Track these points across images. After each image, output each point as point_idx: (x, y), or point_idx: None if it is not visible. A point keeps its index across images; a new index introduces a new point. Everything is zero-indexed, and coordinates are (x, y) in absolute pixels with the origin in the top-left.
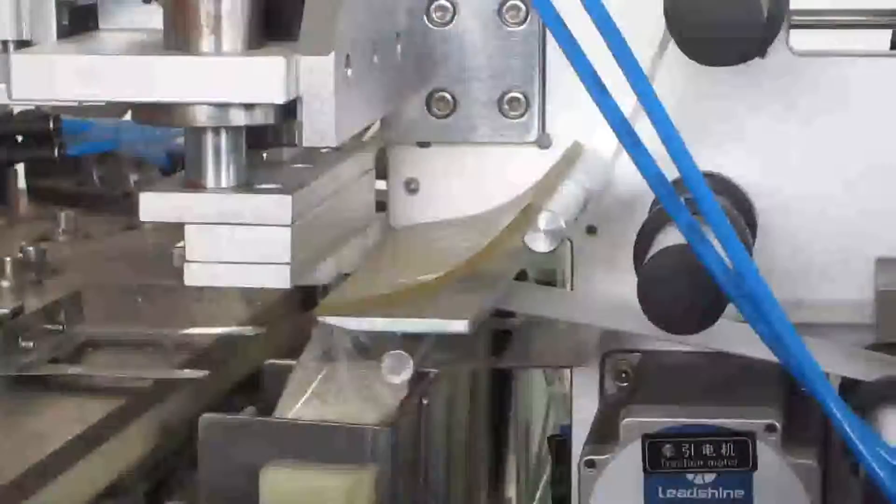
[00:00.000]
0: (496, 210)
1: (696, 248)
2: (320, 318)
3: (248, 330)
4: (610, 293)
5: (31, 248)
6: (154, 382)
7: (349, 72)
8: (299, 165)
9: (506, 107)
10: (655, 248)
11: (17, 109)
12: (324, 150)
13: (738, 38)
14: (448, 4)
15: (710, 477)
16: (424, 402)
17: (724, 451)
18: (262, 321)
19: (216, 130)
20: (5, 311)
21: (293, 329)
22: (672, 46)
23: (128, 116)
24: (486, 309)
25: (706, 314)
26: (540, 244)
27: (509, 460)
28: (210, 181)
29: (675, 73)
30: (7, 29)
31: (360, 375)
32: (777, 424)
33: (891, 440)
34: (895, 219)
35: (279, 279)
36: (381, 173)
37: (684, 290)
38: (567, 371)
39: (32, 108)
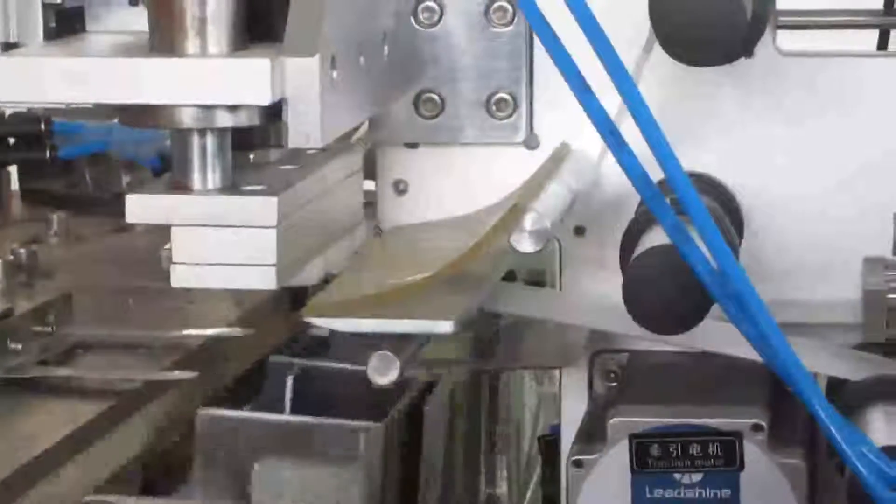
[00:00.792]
0: (484, 211)
1: (681, 249)
2: (307, 319)
3: (238, 331)
4: (598, 293)
5: (21, 250)
6: (143, 384)
7: (335, 73)
8: (286, 167)
9: (493, 108)
10: (641, 249)
11: (8, 112)
12: (311, 152)
13: (722, 38)
14: (435, 6)
15: (697, 476)
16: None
17: (710, 450)
18: (251, 322)
19: (202, 132)
20: None
21: (282, 329)
22: (657, 47)
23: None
24: (473, 309)
25: (691, 314)
26: (525, 244)
27: (500, 460)
28: (196, 183)
29: (661, 74)
30: None
31: None
32: (763, 424)
33: (876, 440)
34: (882, 218)
35: (265, 280)
36: (370, 174)
37: (669, 290)
38: (556, 371)
39: (24, 110)
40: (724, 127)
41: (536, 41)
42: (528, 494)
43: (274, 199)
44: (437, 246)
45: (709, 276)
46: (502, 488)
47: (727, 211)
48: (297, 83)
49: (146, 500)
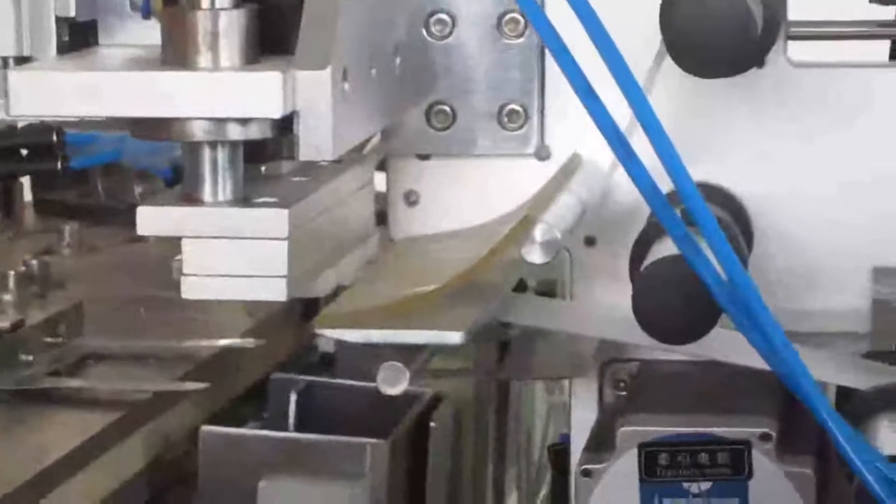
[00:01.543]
0: (495, 221)
1: (690, 259)
2: (318, 331)
3: (249, 342)
4: (608, 304)
5: (34, 261)
6: (154, 395)
7: (346, 86)
8: (298, 178)
9: (505, 119)
10: (651, 259)
11: (21, 123)
12: (323, 163)
13: (733, 50)
14: (447, 18)
15: (705, 485)
16: (432, 424)
17: (719, 459)
18: (262, 333)
19: (213, 145)
20: (5, 324)
21: (294, 341)
22: (668, 58)
23: None
24: (483, 321)
25: (700, 324)
26: (536, 255)
27: (510, 470)
28: (207, 195)
29: (671, 85)
30: (7, 45)
31: None
32: (772, 433)
33: (884, 449)
34: (892, 228)
35: (276, 292)
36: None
37: (678, 300)
38: (566, 380)
39: (37, 121)
40: (735, 137)
41: (548, 53)
42: None
43: (285, 212)
44: (447, 257)
45: (717, 286)
46: (512, 498)
47: (736, 221)
48: (309, 96)
49: None
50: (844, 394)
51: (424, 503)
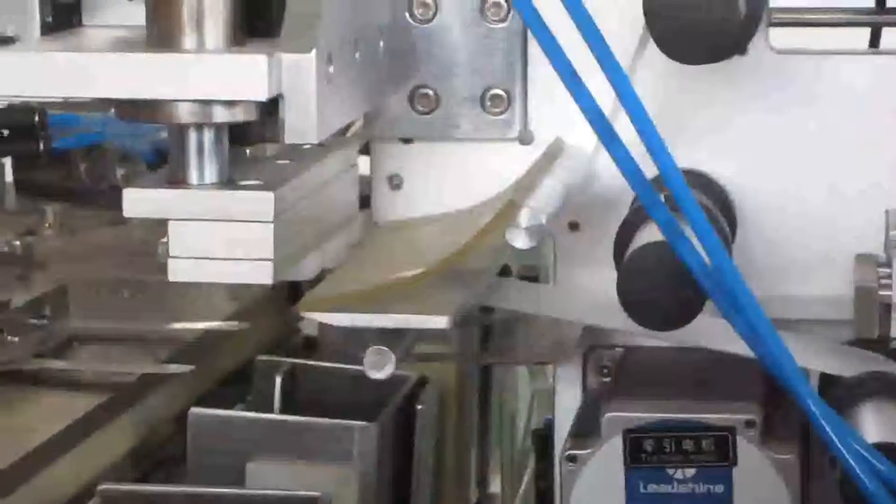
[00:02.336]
0: (479, 206)
1: (674, 245)
2: (303, 314)
3: (234, 325)
4: (592, 289)
5: (16, 242)
6: (139, 377)
7: (331, 69)
8: (283, 161)
9: (488, 103)
10: (635, 245)
11: (2, 104)
12: (307, 147)
13: (715, 36)
14: (430, 2)
15: (690, 472)
16: (419, 406)
17: (704, 446)
18: (247, 316)
19: (199, 127)
20: None
21: (279, 323)
22: (651, 44)
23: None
24: (467, 305)
25: (685, 310)
26: (520, 241)
27: (494, 454)
28: (193, 178)
29: (655, 71)
30: None
31: None
32: (756, 420)
33: (868, 437)
34: (874, 215)
35: (262, 275)
36: None
37: (663, 286)
38: (550, 366)
39: (19, 102)
40: (718, 124)
41: (531, 37)
42: (522, 489)
43: (271, 194)
44: (432, 241)
45: (702, 272)
46: (496, 483)
47: (720, 207)
48: (294, 79)
49: (160, 486)
50: (828, 381)
51: (410, 485)
